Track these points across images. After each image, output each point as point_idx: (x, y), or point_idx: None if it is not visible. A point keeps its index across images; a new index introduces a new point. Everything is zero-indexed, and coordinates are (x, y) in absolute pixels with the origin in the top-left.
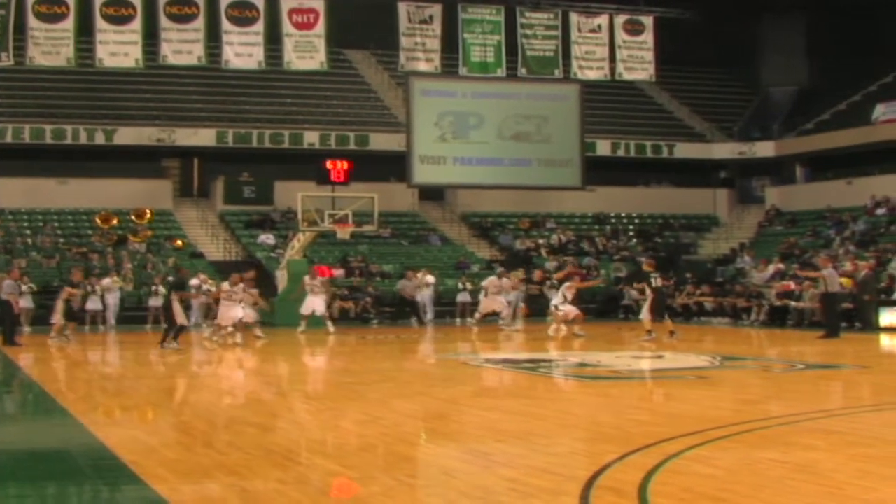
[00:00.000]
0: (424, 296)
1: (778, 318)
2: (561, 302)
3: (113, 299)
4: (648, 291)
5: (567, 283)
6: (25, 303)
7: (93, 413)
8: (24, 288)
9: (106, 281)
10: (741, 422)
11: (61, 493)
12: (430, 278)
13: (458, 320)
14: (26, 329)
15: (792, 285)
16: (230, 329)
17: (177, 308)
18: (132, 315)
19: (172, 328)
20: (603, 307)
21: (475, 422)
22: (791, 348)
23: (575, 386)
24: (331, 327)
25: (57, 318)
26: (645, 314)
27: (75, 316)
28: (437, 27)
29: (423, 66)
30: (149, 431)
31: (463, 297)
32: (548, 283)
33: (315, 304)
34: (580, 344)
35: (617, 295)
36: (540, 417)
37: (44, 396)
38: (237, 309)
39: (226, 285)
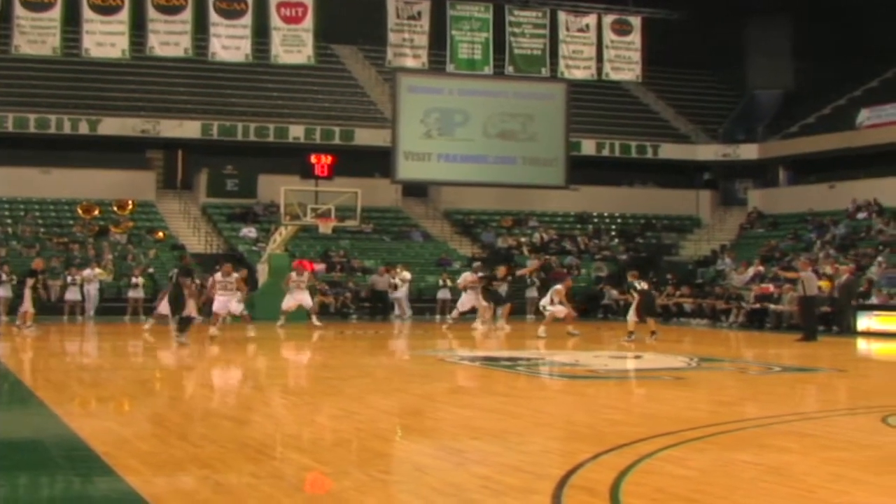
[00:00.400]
0: (401, 292)
1: (756, 320)
2: (549, 303)
3: (93, 290)
4: (635, 294)
5: (556, 287)
6: (4, 292)
7: (68, 404)
8: (3, 277)
9: (87, 272)
10: (716, 423)
11: (33, 483)
12: (407, 274)
13: (437, 317)
14: (4, 318)
15: (771, 288)
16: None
17: (190, 299)
18: (111, 306)
19: (184, 320)
20: (583, 306)
21: (450, 419)
22: (768, 351)
23: (551, 384)
24: (317, 321)
25: (27, 306)
26: (631, 315)
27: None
28: (425, 23)
29: (410, 63)
30: (123, 423)
31: (443, 294)
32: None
33: (302, 298)
34: (573, 343)
35: (597, 294)
36: (515, 415)
37: (18, 386)
38: (232, 300)
39: (218, 276)
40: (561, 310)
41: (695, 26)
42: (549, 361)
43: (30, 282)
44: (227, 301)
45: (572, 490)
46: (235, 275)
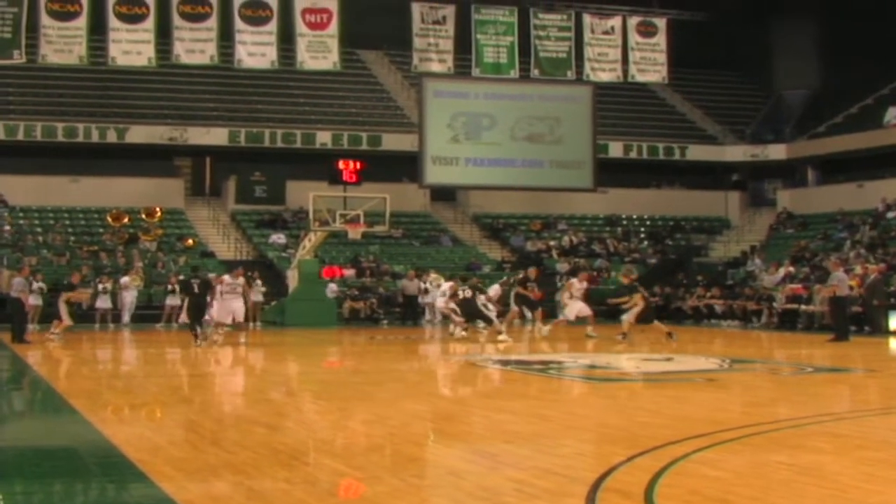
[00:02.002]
0: (434, 297)
1: (788, 321)
2: (568, 297)
3: (130, 297)
4: (640, 301)
5: (571, 280)
6: (35, 300)
7: (101, 411)
8: (34, 286)
9: (124, 279)
10: (749, 424)
11: (68, 490)
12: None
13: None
14: (35, 327)
15: (801, 288)
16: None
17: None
18: (141, 314)
19: (202, 326)
20: (613, 309)
21: (483, 423)
22: (800, 351)
23: (583, 387)
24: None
25: (65, 318)
26: (629, 317)
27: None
28: (450, 28)
29: (436, 67)
30: (156, 429)
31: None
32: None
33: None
34: (593, 345)
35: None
36: (547, 419)
37: (51, 394)
38: (238, 303)
39: (227, 278)
40: (580, 307)
41: (720, 27)
42: (581, 364)
43: (65, 295)
44: (233, 304)
45: (606, 493)
46: (242, 279)
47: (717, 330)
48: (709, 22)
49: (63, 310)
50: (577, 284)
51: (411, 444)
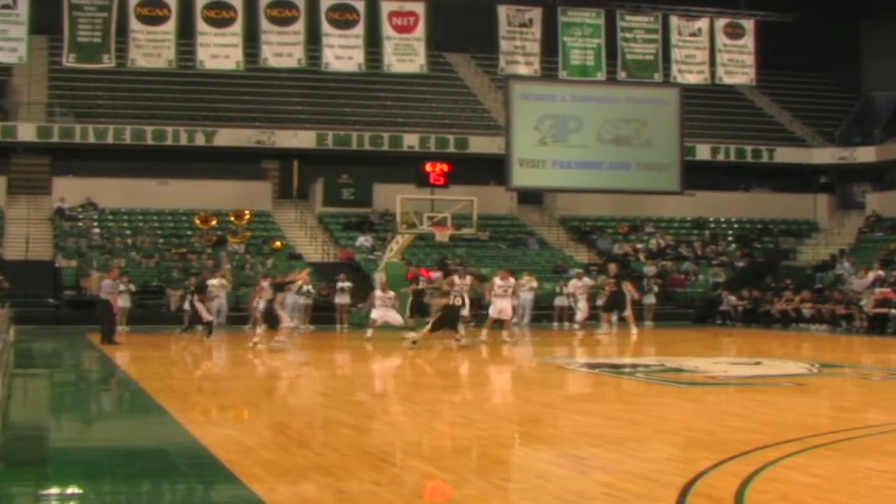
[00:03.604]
0: (525, 300)
1: (877, 325)
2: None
3: (219, 300)
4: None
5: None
6: (123, 302)
7: (189, 412)
8: (122, 287)
9: (212, 281)
10: (839, 430)
11: (159, 491)
12: (534, 282)
13: (554, 324)
14: (124, 328)
15: (891, 292)
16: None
17: (200, 307)
18: (230, 316)
19: (200, 325)
20: (701, 312)
21: (570, 426)
22: (890, 356)
23: (671, 391)
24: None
25: (206, 316)
26: (628, 312)
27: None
28: (536, 30)
29: (522, 70)
30: (245, 431)
31: (560, 301)
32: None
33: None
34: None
35: (715, 300)
36: (635, 423)
37: (141, 395)
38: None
39: (265, 283)
40: (502, 307)
41: (809, 28)
42: (669, 368)
43: (198, 296)
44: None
45: (696, 498)
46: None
47: (806, 334)
48: (796, 23)
49: (201, 308)
50: (500, 282)
51: (499, 447)
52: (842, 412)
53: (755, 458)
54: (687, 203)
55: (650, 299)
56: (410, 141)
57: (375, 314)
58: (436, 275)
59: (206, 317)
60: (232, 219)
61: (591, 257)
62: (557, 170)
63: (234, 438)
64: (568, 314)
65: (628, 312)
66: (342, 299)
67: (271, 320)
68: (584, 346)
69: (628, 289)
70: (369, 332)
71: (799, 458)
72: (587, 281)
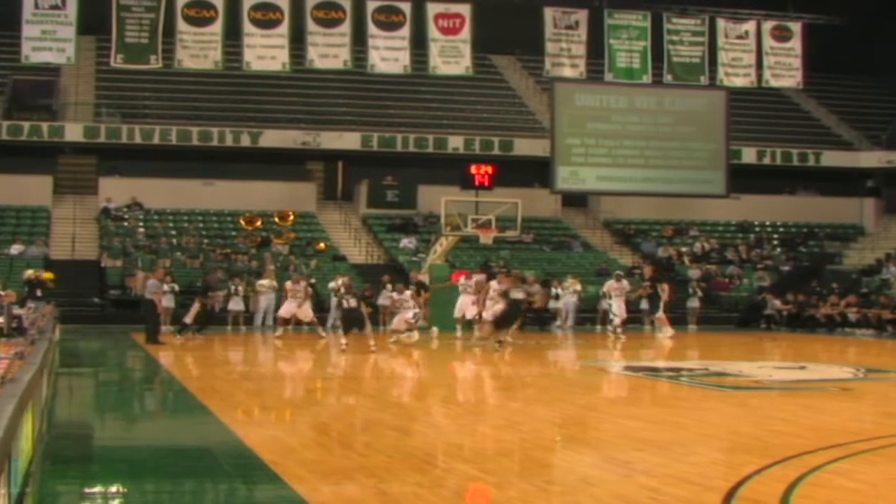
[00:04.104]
0: (568, 303)
1: None
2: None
3: (265, 301)
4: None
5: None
6: (168, 302)
7: (233, 412)
8: (166, 287)
9: (262, 282)
10: (885, 435)
11: (203, 490)
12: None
13: (598, 327)
14: (169, 328)
15: None
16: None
17: (193, 309)
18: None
19: (189, 325)
20: (745, 316)
21: (614, 429)
22: None
23: (714, 395)
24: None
25: (188, 318)
26: (660, 313)
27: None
28: (582, 33)
29: (568, 72)
30: (288, 431)
31: (604, 304)
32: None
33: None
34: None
35: (759, 304)
36: (679, 426)
37: (184, 394)
38: (293, 304)
39: (289, 284)
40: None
41: (857, 31)
42: (712, 372)
43: (200, 297)
44: (289, 305)
45: (740, 502)
46: (303, 283)
47: (851, 339)
48: (844, 26)
49: (193, 309)
50: (496, 286)
51: (542, 450)
52: (887, 417)
53: (800, 462)
54: (732, 206)
55: (694, 303)
56: (455, 143)
57: (283, 309)
58: (477, 277)
59: (188, 318)
60: (276, 220)
61: (634, 260)
62: (602, 172)
63: (276, 439)
64: (602, 316)
65: (660, 314)
66: (384, 301)
67: (355, 323)
68: (628, 350)
69: (663, 290)
70: (415, 336)
71: (844, 464)
72: (624, 284)
